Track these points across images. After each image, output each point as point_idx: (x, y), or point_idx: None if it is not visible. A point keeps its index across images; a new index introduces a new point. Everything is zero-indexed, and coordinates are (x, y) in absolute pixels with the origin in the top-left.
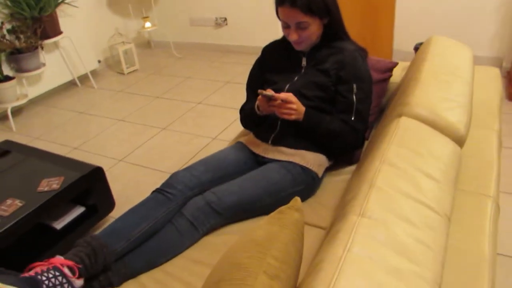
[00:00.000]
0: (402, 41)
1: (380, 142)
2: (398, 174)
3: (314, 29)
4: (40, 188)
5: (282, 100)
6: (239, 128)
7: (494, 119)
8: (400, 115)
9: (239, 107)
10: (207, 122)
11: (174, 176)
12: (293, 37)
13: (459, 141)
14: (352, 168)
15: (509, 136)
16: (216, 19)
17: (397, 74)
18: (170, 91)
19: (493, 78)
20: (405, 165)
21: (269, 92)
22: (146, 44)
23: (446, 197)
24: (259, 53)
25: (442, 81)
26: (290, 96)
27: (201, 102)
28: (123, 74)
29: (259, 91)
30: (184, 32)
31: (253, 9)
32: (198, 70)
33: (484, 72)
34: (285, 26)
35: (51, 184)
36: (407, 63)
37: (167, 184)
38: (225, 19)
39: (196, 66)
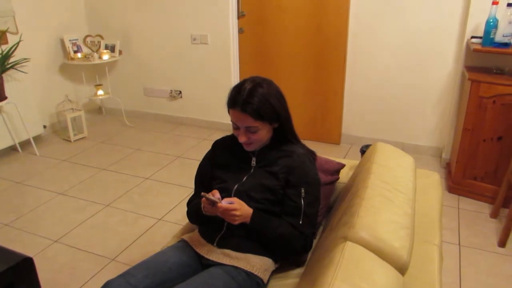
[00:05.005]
0: (350, 125)
1: (325, 271)
2: None
3: (263, 133)
4: None
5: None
6: (185, 210)
7: (435, 232)
8: (345, 239)
9: (188, 184)
10: (154, 200)
11: (108, 286)
12: (242, 139)
13: (402, 269)
14: (299, 271)
15: (450, 230)
16: (171, 91)
17: (344, 174)
18: (118, 163)
19: (433, 185)
20: None
21: (212, 196)
22: (97, 110)
23: None
24: (212, 127)
25: (386, 199)
26: (232, 205)
27: (149, 177)
28: (69, 141)
29: (202, 193)
30: (137, 101)
31: (207, 84)
32: (149, 142)
33: (425, 179)
34: (235, 127)
35: None
36: (354, 162)
37: None
38: (180, 92)
39: (147, 137)
